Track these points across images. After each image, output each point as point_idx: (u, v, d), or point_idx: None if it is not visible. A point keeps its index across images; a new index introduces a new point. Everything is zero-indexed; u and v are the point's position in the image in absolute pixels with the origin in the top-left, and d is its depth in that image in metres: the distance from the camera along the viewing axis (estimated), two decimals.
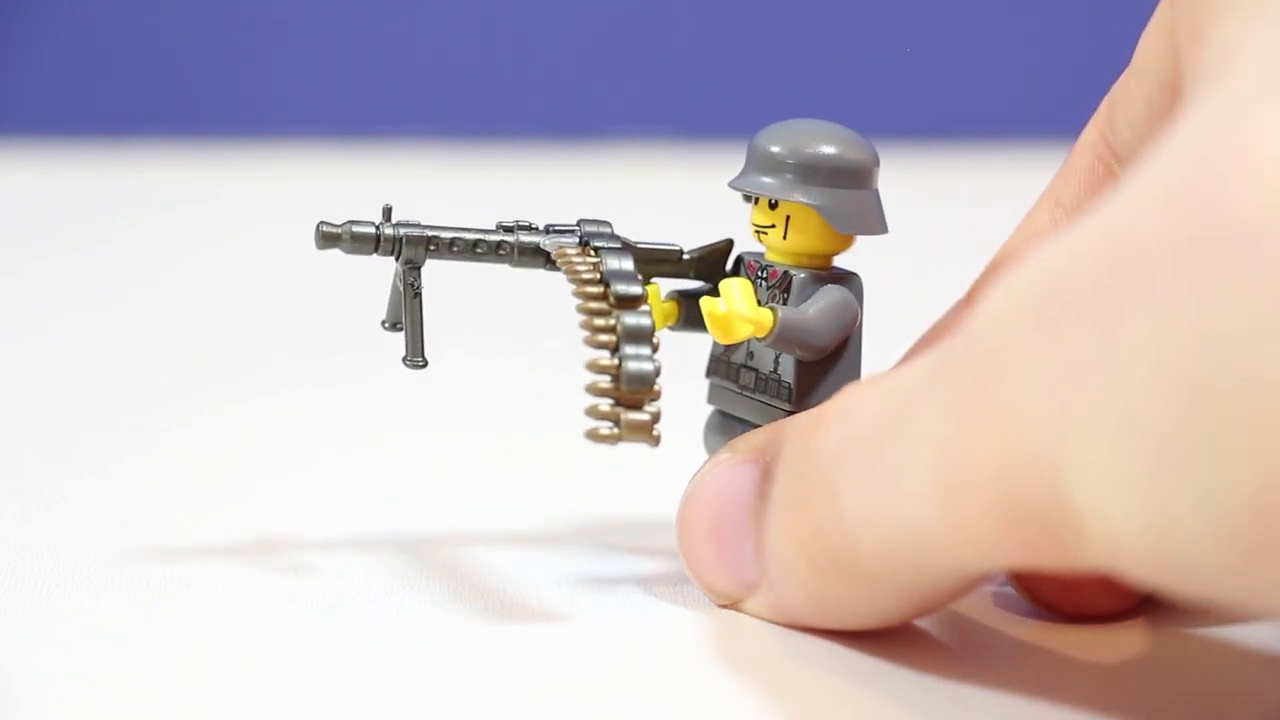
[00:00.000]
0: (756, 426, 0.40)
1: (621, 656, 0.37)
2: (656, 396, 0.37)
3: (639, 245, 0.41)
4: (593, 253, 0.39)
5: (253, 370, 0.63)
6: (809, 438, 0.36)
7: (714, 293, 0.41)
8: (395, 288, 0.40)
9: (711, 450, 0.41)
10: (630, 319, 0.37)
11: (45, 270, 0.80)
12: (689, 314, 0.41)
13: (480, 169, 1.02)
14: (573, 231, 0.40)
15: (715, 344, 0.41)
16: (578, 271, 0.38)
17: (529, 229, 0.40)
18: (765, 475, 0.38)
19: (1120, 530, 0.29)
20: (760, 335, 0.39)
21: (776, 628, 0.38)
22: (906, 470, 0.33)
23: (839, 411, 0.36)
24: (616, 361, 0.37)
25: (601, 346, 0.37)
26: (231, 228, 0.91)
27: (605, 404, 0.37)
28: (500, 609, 0.39)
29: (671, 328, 0.41)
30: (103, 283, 0.77)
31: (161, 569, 0.41)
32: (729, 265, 0.41)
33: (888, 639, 0.37)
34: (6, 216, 0.92)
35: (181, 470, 0.50)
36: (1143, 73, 0.38)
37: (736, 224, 0.42)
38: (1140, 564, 0.30)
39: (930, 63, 1.10)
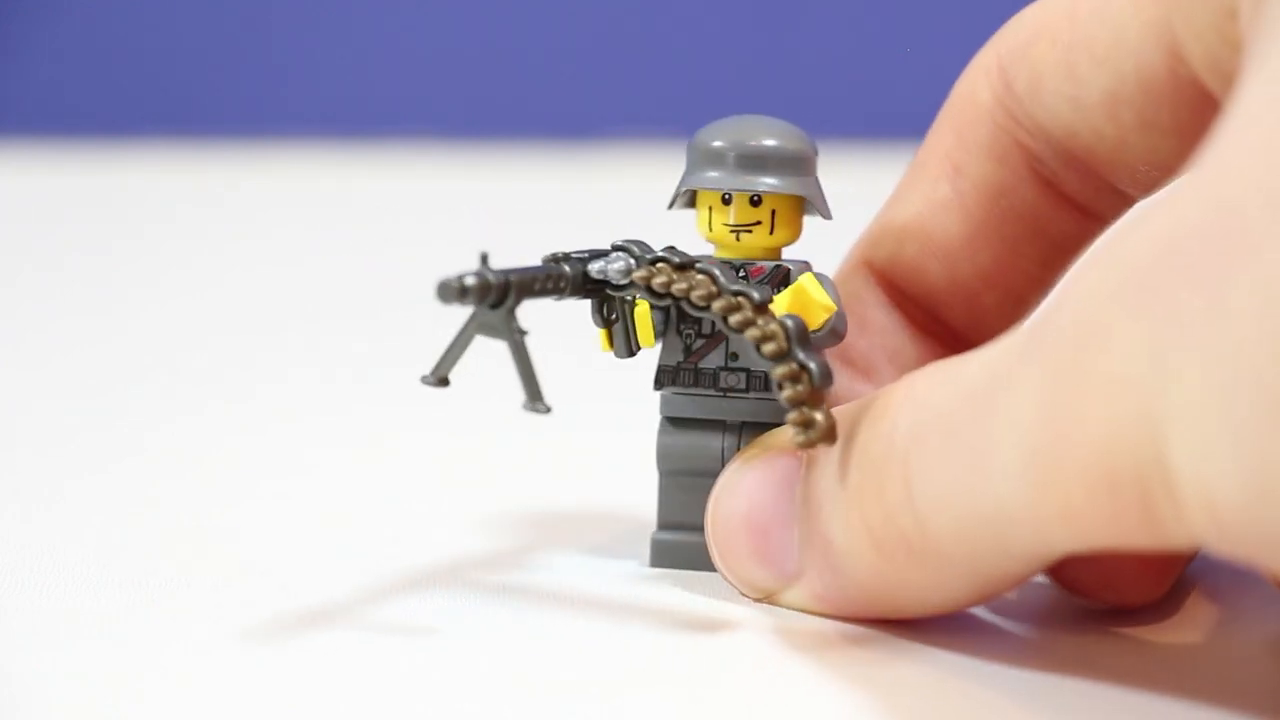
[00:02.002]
0: (745, 426, 0.40)
1: (622, 657, 0.37)
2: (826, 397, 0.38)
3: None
4: (671, 269, 0.39)
5: (252, 370, 0.63)
6: (872, 424, 0.36)
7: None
8: (464, 336, 0.39)
9: (670, 465, 0.41)
10: (792, 323, 0.38)
11: (44, 270, 0.80)
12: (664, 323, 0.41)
13: (480, 169, 1.02)
14: (607, 254, 0.40)
15: (668, 353, 0.41)
16: (692, 290, 0.39)
17: (568, 259, 0.40)
18: (808, 467, 0.38)
19: (1217, 492, 0.29)
20: (817, 327, 0.39)
21: (779, 628, 0.38)
22: (995, 446, 0.33)
23: (904, 397, 0.36)
24: (797, 365, 0.37)
25: (774, 355, 0.38)
26: (231, 227, 0.91)
27: (797, 407, 0.37)
28: (502, 609, 0.39)
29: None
30: (102, 282, 0.77)
31: (161, 569, 0.41)
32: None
33: (922, 634, 0.37)
34: (6, 217, 0.92)
35: (181, 470, 0.50)
36: (1103, 60, 0.38)
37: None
38: (1233, 530, 0.30)
39: (930, 63, 1.09)
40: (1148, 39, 0.37)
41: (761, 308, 0.38)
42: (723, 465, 0.40)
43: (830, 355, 0.42)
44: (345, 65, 1.14)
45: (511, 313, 0.38)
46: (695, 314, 0.39)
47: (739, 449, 0.40)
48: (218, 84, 1.14)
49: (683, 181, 0.41)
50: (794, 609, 0.39)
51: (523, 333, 0.38)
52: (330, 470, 0.51)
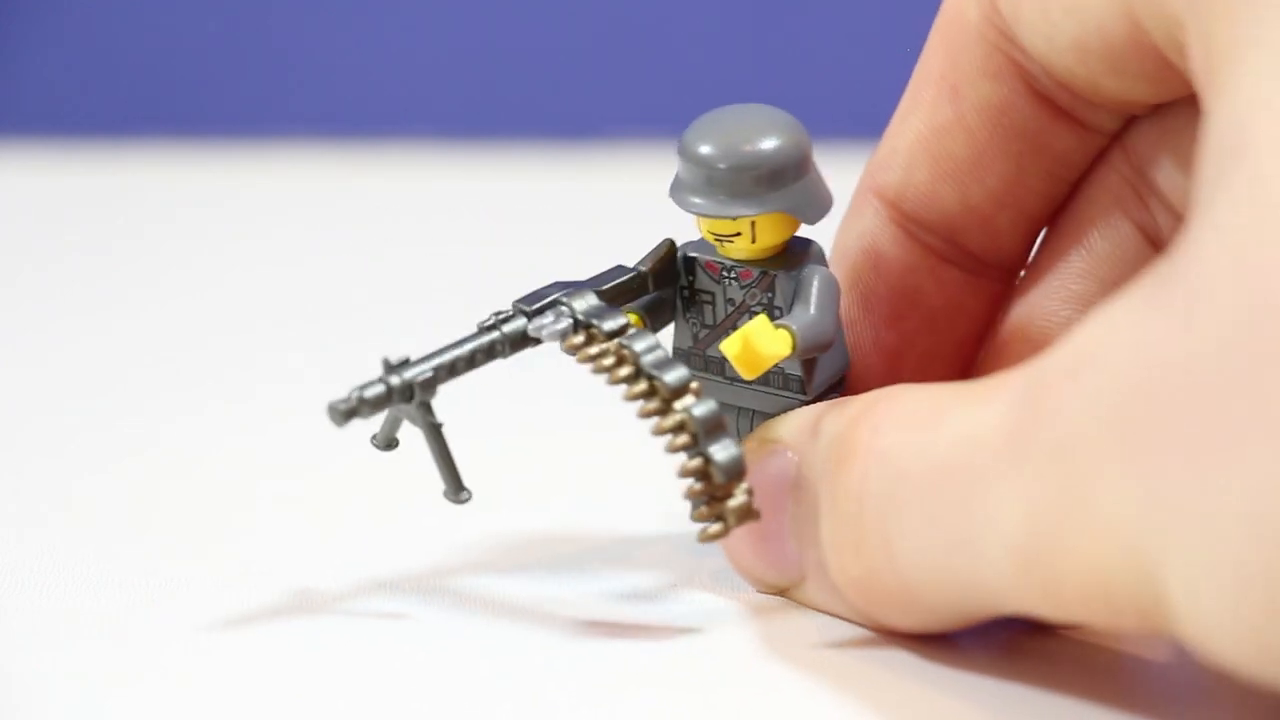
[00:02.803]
0: (753, 410, 0.41)
1: (620, 661, 0.37)
2: (745, 473, 0.37)
3: (605, 287, 0.40)
4: (602, 337, 0.39)
5: (253, 370, 0.63)
6: (842, 473, 0.36)
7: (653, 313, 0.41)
8: (393, 415, 0.40)
9: None
10: (700, 411, 0.37)
11: (44, 271, 0.80)
12: (655, 322, 0.41)
13: (480, 169, 1.02)
14: (554, 305, 0.40)
15: (680, 337, 0.41)
16: (611, 370, 0.38)
17: (508, 318, 0.40)
18: (795, 481, 0.38)
19: (1220, 645, 0.30)
20: (783, 359, 0.39)
21: (782, 627, 0.38)
22: (981, 542, 0.33)
23: (870, 447, 0.36)
24: (702, 460, 0.37)
25: (680, 449, 0.37)
26: (231, 227, 0.91)
27: (702, 502, 0.37)
28: (506, 610, 0.39)
29: None
30: (101, 283, 0.77)
31: (161, 569, 0.41)
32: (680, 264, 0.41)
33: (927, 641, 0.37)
34: (6, 217, 0.92)
35: (182, 470, 0.50)
36: (1071, 10, 0.38)
37: None
38: (1239, 670, 0.30)
39: None
40: (1109, 2, 0.37)
41: (678, 392, 0.38)
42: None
43: (851, 303, 0.41)
44: (345, 65, 1.14)
45: (424, 406, 0.39)
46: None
47: (751, 428, 0.40)
48: (218, 84, 1.14)
49: (672, 188, 0.40)
50: (803, 604, 0.39)
51: (437, 426, 0.39)
52: (332, 471, 0.50)
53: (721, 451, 0.37)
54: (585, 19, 1.15)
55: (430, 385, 0.39)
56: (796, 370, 0.40)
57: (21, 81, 1.13)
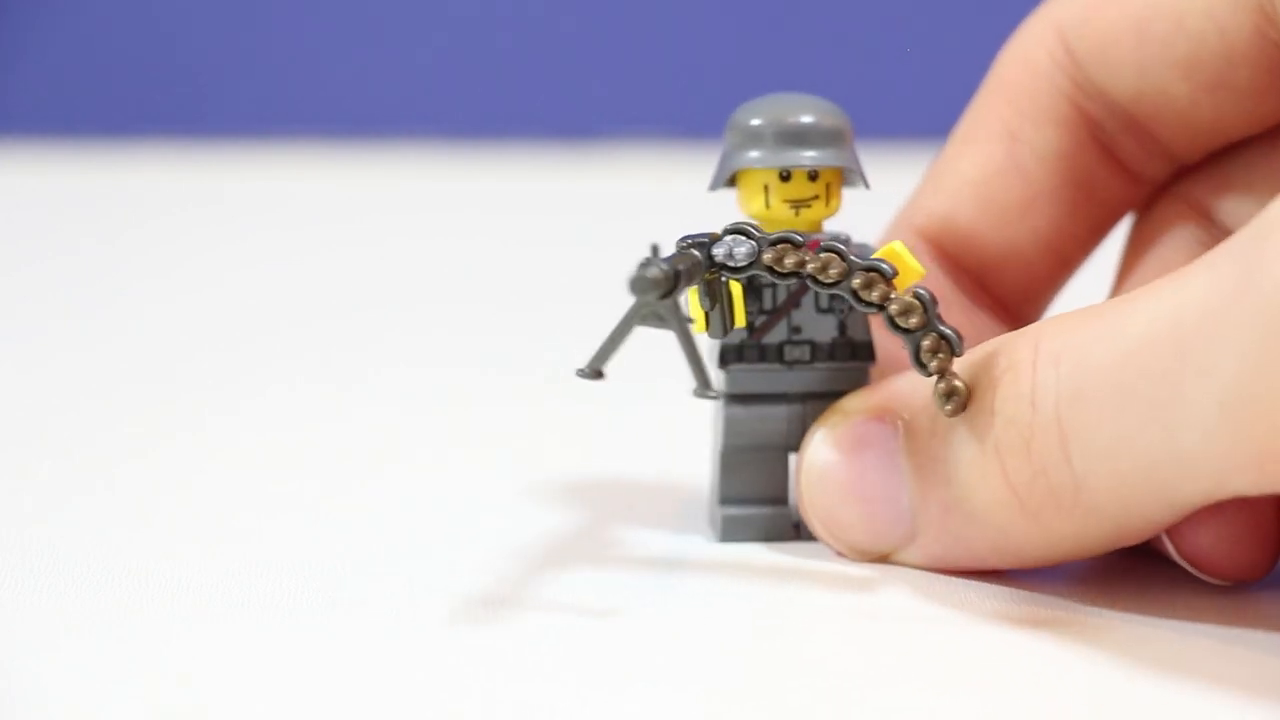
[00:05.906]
0: (807, 399, 0.41)
1: (638, 651, 0.37)
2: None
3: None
4: (797, 249, 0.39)
5: (255, 372, 0.63)
6: (1003, 385, 0.37)
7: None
8: (625, 326, 0.38)
9: (736, 440, 0.42)
10: (926, 294, 0.38)
11: (44, 271, 0.80)
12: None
13: (480, 169, 1.02)
14: (718, 238, 0.39)
15: (730, 334, 0.41)
16: (823, 269, 0.39)
17: (691, 246, 0.39)
18: (914, 435, 0.38)
19: None
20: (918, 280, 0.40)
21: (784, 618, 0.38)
22: (1184, 398, 0.33)
23: (1035, 355, 0.36)
24: (937, 335, 0.38)
25: (917, 328, 0.38)
26: (231, 228, 0.91)
27: (942, 381, 0.38)
28: (512, 608, 0.39)
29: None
30: (101, 282, 0.77)
31: (162, 569, 0.41)
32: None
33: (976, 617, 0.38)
34: (6, 217, 0.92)
35: (183, 471, 0.50)
36: (1180, 22, 0.38)
37: (734, 218, 0.42)
38: None
39: (931, 62, 1.09)
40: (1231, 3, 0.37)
41: (892, 281, 0.38)
42: (786, 437, 0.41)
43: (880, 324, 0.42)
44: (345, 65, 1.14)
45: (677, 302, 0.38)
46: (822, 290, 0.39)
47: (803, 420, 0.41)
48: (218, 84, 1.14)
49: (733, 161, 0.41)
50: (908, 566, 0.39)
51: (689, 320, 0.39)
52: (333, 470, 0.51)
53: (949, 328, 0.38)
54: (585, 19, 1.15)
55: (689, 280, 0.38)
56: (865, 336, 0.41)
57: (21, 81, 1.13)
